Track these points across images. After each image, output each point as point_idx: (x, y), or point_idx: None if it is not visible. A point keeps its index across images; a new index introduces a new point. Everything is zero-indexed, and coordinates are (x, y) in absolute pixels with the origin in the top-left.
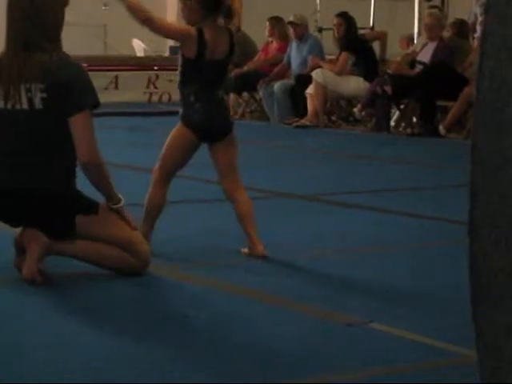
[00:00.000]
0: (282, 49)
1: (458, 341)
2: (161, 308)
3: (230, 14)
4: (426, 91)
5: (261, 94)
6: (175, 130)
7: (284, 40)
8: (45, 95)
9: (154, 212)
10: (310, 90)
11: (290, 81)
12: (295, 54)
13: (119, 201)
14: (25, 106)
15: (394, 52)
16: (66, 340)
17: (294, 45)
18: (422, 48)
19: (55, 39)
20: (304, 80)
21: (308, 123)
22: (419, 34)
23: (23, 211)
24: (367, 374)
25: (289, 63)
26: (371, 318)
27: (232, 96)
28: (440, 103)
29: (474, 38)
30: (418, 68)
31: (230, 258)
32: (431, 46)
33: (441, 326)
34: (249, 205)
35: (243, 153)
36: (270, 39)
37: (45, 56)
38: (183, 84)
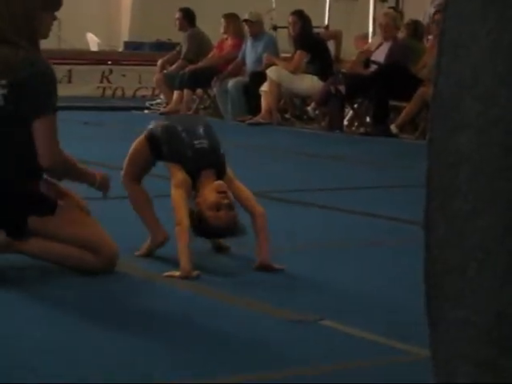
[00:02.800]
0: (237, 46)
1: (407, 339)
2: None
3: None
4: (379, 91)
5: (215, 90)
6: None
7: (239, 37)
8: (5, 92)
9: (143, 206)
10: (264, 88)
11: (245, 78)
12: (250, 52)
13: (95, 178)
14: None
15: (349, 51)
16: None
17: (248, 42)
18: (376, 48)
19: (28, 37)
20: (258, 77)
21: (261, 120)
22: (374, 33)
23: None
24: (316, 370)
25: (243, 60)
26: (322, 315)
27: (186, 92)
28: (393, 103)
29: (428, 39)
30: (373, 68)
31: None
32: (386, 46)
33: (391, 324)
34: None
35: None
36: (225, 36)
37: (11, 51)
38: None
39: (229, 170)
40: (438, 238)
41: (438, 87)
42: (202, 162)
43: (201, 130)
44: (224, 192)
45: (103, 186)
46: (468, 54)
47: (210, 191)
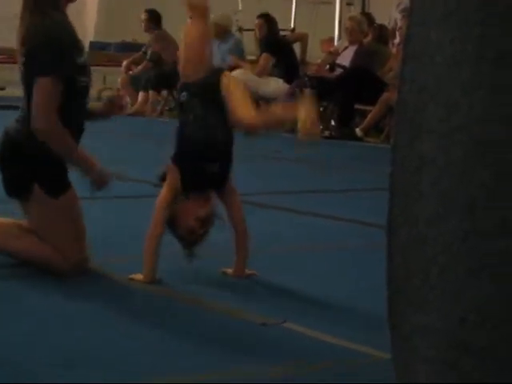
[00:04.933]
0: None
1: (369, 341)
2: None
3: None
4: (344, 94)
5: None
6: None
7: None
8: (24, 60)
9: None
10: None
11: None
12: (216, 54)
13: (94, 169)
14: (20, 65)
15: (315, 54)
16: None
17: (214, 44)
18: (342, 51)
19: (56, 6)
20: None
21: None
22: (340, 37)
23: None
24: (278, 372)
25: None
26: (285, 318)
27: (151, 93)
28: (358, 107)
29: (393, 43)
30: (338, 71)
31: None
32: (351, 50)
33: (353, 327)
34: None
35: (160, 152)
36: None
37: (38, 19)
38: None
39: (232, 183)
40: (400, 242)
41: (402, 94)
42: (204, 185)
43: (221, 144)
44: (205, 221)
45: (98, 181)
46: (432, 62)
47: (191, 216)
